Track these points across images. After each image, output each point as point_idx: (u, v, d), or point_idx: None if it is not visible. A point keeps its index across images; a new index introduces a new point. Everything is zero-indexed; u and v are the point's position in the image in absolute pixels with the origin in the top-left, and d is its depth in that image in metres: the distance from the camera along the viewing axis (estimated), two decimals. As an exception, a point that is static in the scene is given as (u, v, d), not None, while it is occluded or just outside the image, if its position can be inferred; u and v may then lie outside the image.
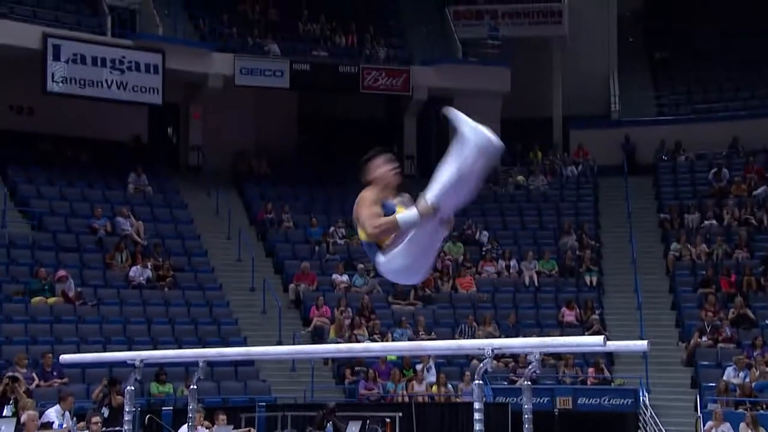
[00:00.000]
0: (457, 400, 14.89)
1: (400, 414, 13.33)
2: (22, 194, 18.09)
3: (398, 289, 18.32)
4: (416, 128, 23.43)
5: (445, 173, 4.26)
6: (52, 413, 10.41)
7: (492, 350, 3.99)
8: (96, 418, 9.54)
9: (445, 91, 22.56)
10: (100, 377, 12.67)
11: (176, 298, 16.93)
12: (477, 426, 3.89)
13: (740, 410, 14.22)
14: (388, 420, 13.04)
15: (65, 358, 5.68)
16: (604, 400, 15.20)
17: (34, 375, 12.42)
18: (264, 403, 13.44)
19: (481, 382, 3.94)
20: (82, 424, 10.23)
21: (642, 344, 3.97)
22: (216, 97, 21.05)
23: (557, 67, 24.05)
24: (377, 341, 15.61)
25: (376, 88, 21.78)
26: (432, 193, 4.18)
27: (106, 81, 18.97)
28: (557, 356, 16.15)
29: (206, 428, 10.48)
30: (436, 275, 18.90)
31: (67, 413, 10.53)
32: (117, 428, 9.44)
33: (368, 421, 12.32)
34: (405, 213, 4.18)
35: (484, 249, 19.90)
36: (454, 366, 16.22)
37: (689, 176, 21.76)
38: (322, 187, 21.57)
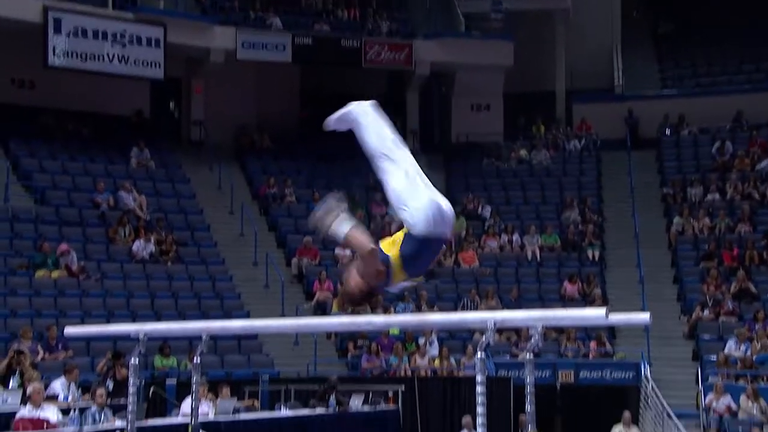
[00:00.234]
0: (460, 374, 14.95)
1: (403, 387, 13.39)
2: (24, 168, 18.07)
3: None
4: (419, 103, 23.36)
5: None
6: (58, 385, 10.49)
7: (494, 323, 3.99)
8: (101, 391, 9.60)
9: (447, 66, 22.49)
10: (104, 350, 12.73)
11: (179, 272, 16.98)
12: (480, 399, 3.90)
13: (741, 383, 14.29)
14: (390, 393, 13.11)
15: (70, 330, 5.70)
16: (606, 374, 15.25)
17: (39, 348, 12.47)
18: (267, 377, 13.50)
19: (483, 355, 3.95)
20: (87, 396, 10.29)
21: (644, 317, 3.98)
22: (218, 72, 20.98)
23: (560, 41, 23.92)
24: (380, 315, 15.65)
25: (379, 62, 21.69)
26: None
27: (108, 55, 18.89)
28: (559, 330, 16.19)
29: (210, 401, 10.54)
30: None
31: (72, 385, 10.60)
32: (121, 400, 9.49)
33: (371, 395, 12.39)
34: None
35: (486, 223, 19.91)
36: (456, 340, 16.28)
37: (692, 150, 21.72)
38: (325, 162, 21.53)
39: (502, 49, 22.24)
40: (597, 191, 21.15)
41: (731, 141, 21.02)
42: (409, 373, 14.92)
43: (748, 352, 14.97)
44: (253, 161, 21.17)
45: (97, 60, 18.80)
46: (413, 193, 4.38)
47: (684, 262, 18.50)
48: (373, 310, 14.58)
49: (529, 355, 4.12)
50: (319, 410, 11.62)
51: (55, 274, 15.35)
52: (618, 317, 4.00)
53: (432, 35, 22.20)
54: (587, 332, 16.51)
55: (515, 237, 19.39)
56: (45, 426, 8.67)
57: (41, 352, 12.48)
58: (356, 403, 12.05)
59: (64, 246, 15.70)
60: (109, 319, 14.64)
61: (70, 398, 10.33)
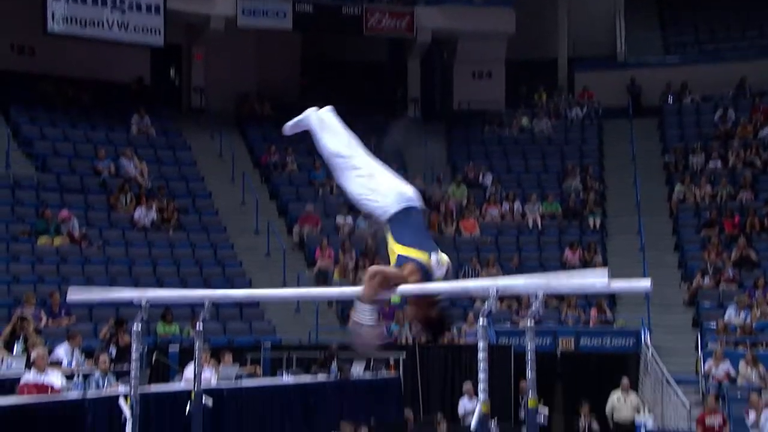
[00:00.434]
0: (461, 341, 15.01)
1: (404, 355, 13.46)
2: (25, 135, 18.04)
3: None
4: (420, 70, 23.24)
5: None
6: (61, 351, 10.55)
7: (496, 290, 4.00)
8: (104, 357, 9.66)
9: (449, 33, 22.35)
10: (106, 317, 12.79)
11: (181, 240, 17.00)
12: (482, 365, 3.93)
13: (740, 349, 14.37)
14: (391, 361, 13.18)
15: (72, 296, 5.73)
16: (606, 341, 15.32)
17: (42, 314, 12.53)
18: (269, 344, 13.56)
19: (485, 322, 3.96)
20: (90, 361, 10.36)
21: (645, 283, 3.98)
22: (218, 39, 20.86)
23: (562, 8, 23.74)
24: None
25: (380, 29, 21.56)
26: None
27: (107, 21, 18.78)
28: (560, 298, 16.25)
29: (212, 367, 10.60)
30: (440, 218, 18.95)
31: (75, 351, 10.67)
32: (125, 366, 9.55)
33: (372, 362, 12.45)
34: (367, 313, 4.30)
35: (487, 192, 19.91)
36: (457, 308, 16.33)
37: (695, 118, 21.64)
38: (326, 130, 21.46)
39: (504, 16, 22.10)
40: (598, 159, 21.12)
41: (734, 108, 20.95)
42: (410, 340, 14.99)
43: (748, 319, 15.04)
44: (254, 129, 21.12)
45: (96, 26, 18.70)
46: (373, 183, 4.57)
47: (685, 230, 18.52)
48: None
49: (530, 322, 4.14)
50: (321, 377, 11.69)
51: (57, 241, 15.38)
52: (619, 284, 4.01)
53: (433, 2, 22.04)
54: (588, 300, 16.57)
55: (516, 205, 19.39)
56: (49, 391, 8.73)
57: (44, 318, 12.53)
58: (357, 370, 12.12)
59: (65, 212, 15.71)
60: (111, 285, 14.68)
61: (73, 364, 10.39)
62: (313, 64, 23.41)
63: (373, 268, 4.48)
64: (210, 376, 10.20)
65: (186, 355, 11.16)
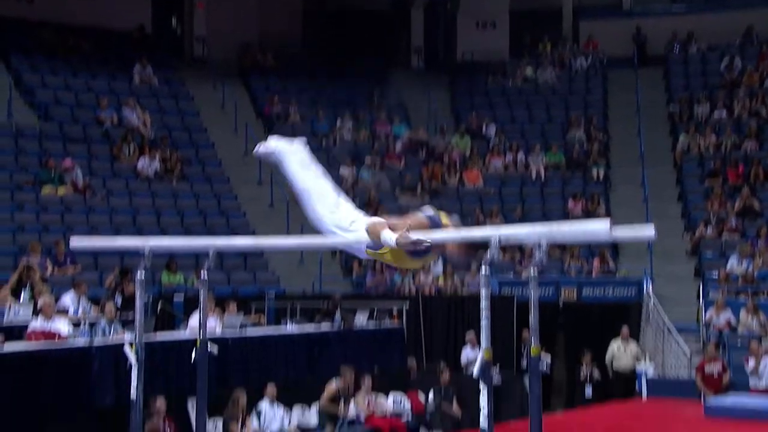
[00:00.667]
0: (464, 291, 15.09)
1: (407, 305, 13.55)
2: (26, 84, 17.96)
3: (405, 182, 18.38)
4: (423, 20, 23.03)
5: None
6: (67, 299, 10.65)
7: (499, 239, 4.01)
8: (110, 305, 9.75)
9: (453, -19, 22.12)
10: (112, 266, 12.85)
11: (184, 190, 17.03)
12: (484, 313, 3.95)
13: (741, 298, 14.45)
14: (395, 311, 13.27)
15: (76, 242, 5.76)
16: (609, 291, 15.38)
17: (48, 262, 12.60)
18: (273, 294, 13.65)
19: (488, 271, 3.98)
20: (96, 309, 10.46)
21: (648, 230, 3.99)
22: (220, -13, 20.69)
23: (568, -44, 23.47)
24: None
25: (383, -23, 21.33)
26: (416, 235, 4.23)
27: (107, -33, 18.60)
28: (562, 248, 16.30)
29: (217, 316, 10.69)
30: (443, 169, 18.93)
31: (82, 299, 10.76)
32: (130, 315, 9.64)
33: (375, 312, 12.55)
34: (390, 234, 4.27)
35: (491, 142, 19.86)
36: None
37: (700, 67, 21.49)
38: (329, 81, 21.37)
39: (509, -37, 21.86)
40: (603, 110, 21.02)
41: (740, 57, 20.77)
42: (413, 291, 15.07)
43: (750, 268, 15.09)
44: (257, 80, 21.01)
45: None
46: (345, 217, 4.64)
47: (689, 180, 18.50)
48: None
49: (533, 271, 4.16)
50: (325, 327, 11.79)
51: (61, 190, 15.41)
52: (622, 231, 4.02)
53: (437, -50, 21.79)
54: (590, 250, 16.62)
55: (520, 156, 19.36)
56: (56, 338, 8.83)
57: (50, 266, 12.60)
58: (361, 320, 12.21)
59: (68, 162, 15.71)
60: (115, 235, 14.74)
61: (80, 312, 10.49)
62: (315, 13, 23.22)
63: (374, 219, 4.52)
64: (215, 326, 10.29)
65: (191, 305, 11.26)
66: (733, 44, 21.43)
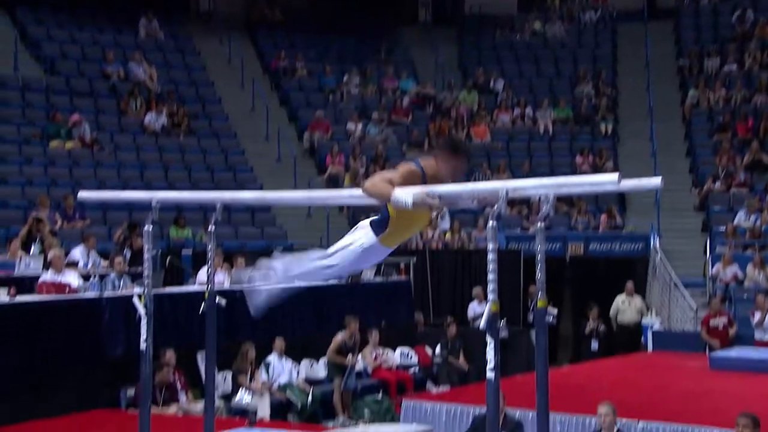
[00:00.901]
0: (471, 246, 15.13)
1: (415, 259, 13.59)
2: (32, 37, 17.88)
3: (413, 138, 18.34)
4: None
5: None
6: (77, 253, 10.72)
7: (507, 192, 4.00)
8: (119, 259, 9.82)
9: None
10: (120, 220, 12.91)
11: (192, 145, 17.02)
12: (491, 266, 3.96)
13: (749, 252, 14.45)
14: (402, 265, 13.32)
15: (83, 195, 5.79)
16: (616, 246, 15.39)
17: (57, 216, 12.65)
18: (281, 248, 13.70)
19: (495, 224, 3.97)
20: (106, 263, 10.53)
21: (655, 181, 3.98)
22: (226, -60, 20.46)
23: None
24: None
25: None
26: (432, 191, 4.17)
27: None
28: (570, 203, 16.29)
29: (225, 271, 10.76)
30: (451, 124, 18.87)
31: (92, 253, 10.84)
32: (139, 269, 9.70)
33: (383, 266, 12.60)
34: (402, 192, 4.16)
35: (499, 97, 19.76)
36: (468, 213, 16.39)
37: (711, 19, 21.24)
38: (336, 35, 21.22)
39: None
40: (612, 64, 20.85)
41: (752, 8, 20.50)
42: (420, 245, 15.11)
43: (758, 223, 15.07)
44: (264, 34, 20.87)
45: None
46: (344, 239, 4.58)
47: (697, 135, 18.40)
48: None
49: (540, 224, 4.15)
50: (332, 281, 11.85)
51: (69, 144, 15.41)
52: (629, 183, 4.01)
53: None
54: (598, 205, 16.60)
55: (528, 111, 19.27)
56: (67, 290, 8.91)
57: (59, 220, 12.66)
58: (368, 274, 12.27)
59: (76, 116, 15.70)
60: (123, 189, 14.75)
61: (89, 265, 10.57)
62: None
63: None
64: (223, 280, 10.36)
65: (199, 260, 11.32)
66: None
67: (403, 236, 4.63)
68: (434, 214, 15.81)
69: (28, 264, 9.82)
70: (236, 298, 9.89)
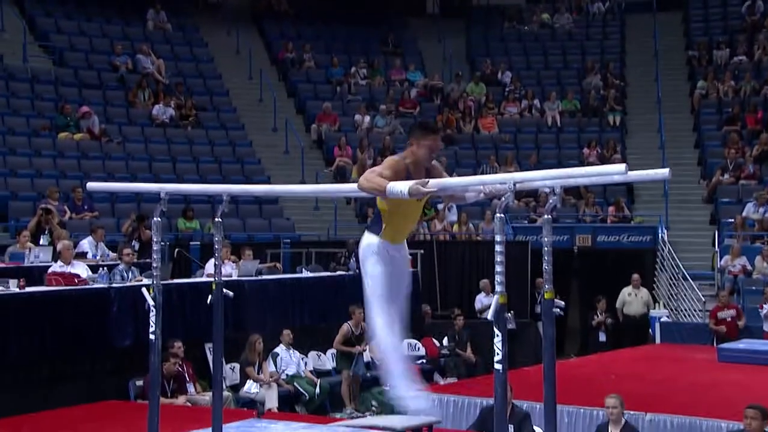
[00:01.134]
0: (478, 238, 15.13)
1: (422, 251, 13.59)
2: (41, 28, 17.91)
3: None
4: (439, -36, 22.73)
5: None
6: (86, 244, 10.76)
7: (514, 183, 4.00)
8: (127, 250, 9.85)
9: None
10: (128, 212, 12.94)
11: (199, 137, 17.05)
12: (498, 258, 3.96)
13: (757, 244, 14.42)
14: (409, 256, 13.30)
15: (92, 185, 5.81)
16: (623, 238, 15.38)
17: (66, 208, 12.69)
18: (288, 240, 13.72)
19: (502, 215, 3.98)
20: (114, 254, 10.56)
21: (663, 172, 3.97)
22: (233, -69, 20.44)
23: None
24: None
25: None
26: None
27: None
28: (578, 195, 16.26)
29: (233, 262, 10.77)
30: (458, 116, 18.84)
31: (101, 244, 10.87)
32: (147, 260, 9.72)
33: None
34: (396, 184, 4.22)
35: (506, 89, 19.72)
36: (475, 206, 16.39)
37: (721, 10, 21.13)
38: (344, 26, 21.20)
39: None
40: (620, 56, 20.78)
41: (763, -1, 20.41)
42: (428, 237, 15.11)
43: (766, 215, 15.02)
44: (271, 25, 20.87)
45: None
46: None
47: (706, 127, 18.34)
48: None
49: (547, 216, 4.15)
50: (339, 272, 11.87)
51: (78, 136, 15.45)
52: (637, 174, 4.01)
53: None
54: (606, 197, 16.57)
55: (535, 102, 19.23)
56: (76, 281, 8.94)
57: (68, 212, 12.70)
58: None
59: (85, 108, 15.74)
60: (131, 181, 14.79)
61: (98, 256, 10.61)
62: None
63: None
64: (231, 272, 10.37)
65: (207, 251, 11.33)
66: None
67: (402, 228, 4.69)
68: (442, 205, 15.84)
69: (37, 255, 9.86)
70: (244, 289, 9.96)
